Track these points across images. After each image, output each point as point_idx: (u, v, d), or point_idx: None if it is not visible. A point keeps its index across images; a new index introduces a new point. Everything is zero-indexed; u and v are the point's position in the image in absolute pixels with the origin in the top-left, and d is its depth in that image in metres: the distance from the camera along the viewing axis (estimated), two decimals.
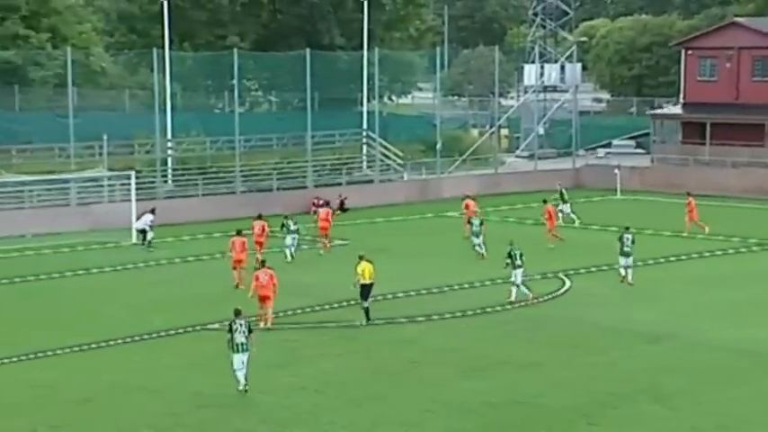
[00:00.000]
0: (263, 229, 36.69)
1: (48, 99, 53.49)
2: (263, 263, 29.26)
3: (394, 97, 72.68)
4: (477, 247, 38.08)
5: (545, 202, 42.34)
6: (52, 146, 49.22)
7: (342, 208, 52.08)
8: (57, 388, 22.87)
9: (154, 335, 27.42)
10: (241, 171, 51.57)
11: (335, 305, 30.32)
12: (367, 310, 28.43)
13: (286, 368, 24.36)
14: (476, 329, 28.21)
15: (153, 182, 49.09)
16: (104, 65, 57.44)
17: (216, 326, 27.58)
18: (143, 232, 40.94)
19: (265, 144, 54.89)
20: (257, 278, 28.26)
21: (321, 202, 51.84)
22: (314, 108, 55.61)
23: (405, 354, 25.61)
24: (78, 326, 28.44)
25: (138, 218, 41.53)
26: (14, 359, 25.01)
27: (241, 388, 22.43)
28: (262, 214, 37.78)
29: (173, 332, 27.65)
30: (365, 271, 28.38)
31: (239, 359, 22.47)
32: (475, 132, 69.63)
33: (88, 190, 46.90)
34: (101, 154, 48.32)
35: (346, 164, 55.96)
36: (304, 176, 53.57)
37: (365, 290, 28.38)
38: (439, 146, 57.73)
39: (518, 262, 30.86)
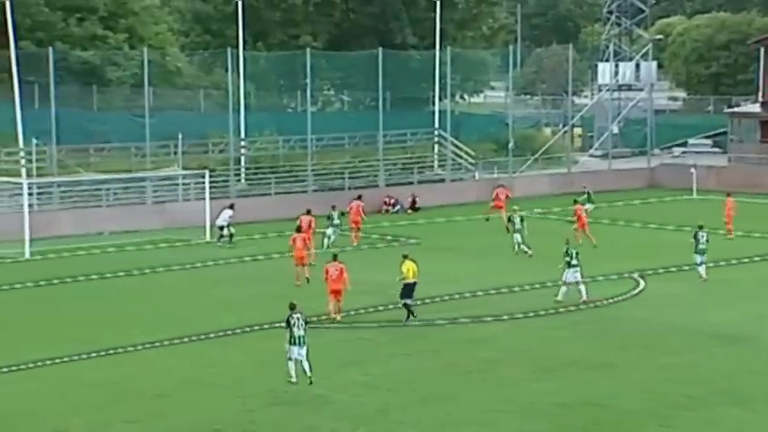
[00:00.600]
0: (310, 225, 37.06)
1: (125, 99, 54.35)
2: (334, 256, 29.61)
3: (466, 96, 72.35)
4: (517, 246, 38.19)
5: (575, 202, 42.32)
6: (129, 145, 50.02)
7: (413, 207, 52.10)
8: (130, 384, 23.21)
9: (227, 332, 27.65)
10: (313, 170, 51.91)
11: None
12: (408, 306, 28.35)
13: (357, 366, 24.44)
14: (547, 329, 28.00)
15: (227, 181, 49.64)
16: (180, 65, 58.15)
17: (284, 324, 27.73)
18: (222, 228, 41.43)
19: (337, 143, 55.13)
20: (327, 271, 28.68)
21: (393, 200, 52.00)
22: (386, 107, 55.73)
23: (476, 353, 25.52)
24: (150, 323, 28.84)
25: (217, 215, 42.06)
26: (93, 355, 25.41)
27: (294, 380, 22.68)
28: (310, 210, 38.34)
29: (247, 329, 27.87)
30: (409, 270, 28.41)
31: (296, 350, 22.77)
32: (548, 131, 69.08)
33: (163, 189, 47.59)
34: (176, 153, 48.99)
35: (418, 163, 55.97)
36: (375, 175, 53.71)
37: (407, 289, 28.35)
38: (511, 145, 57.44)
39: (574, 261, 30.66)
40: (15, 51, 45.45)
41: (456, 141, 57.42)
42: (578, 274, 30.74)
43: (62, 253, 39.82)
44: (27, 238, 38.94)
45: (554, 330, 27.90)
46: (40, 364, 24.58)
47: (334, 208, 40.70)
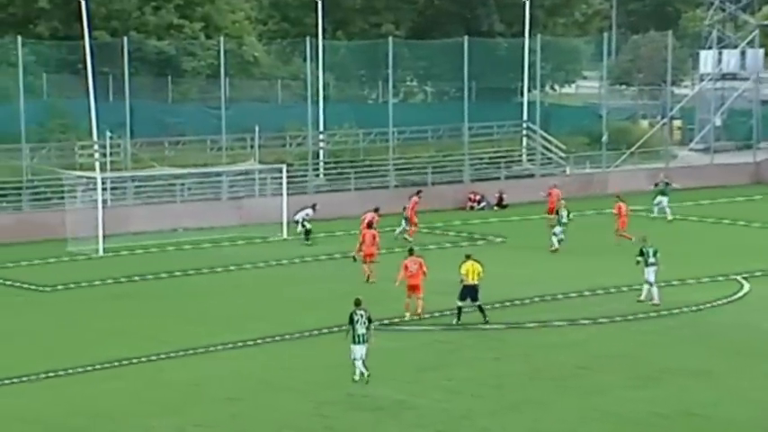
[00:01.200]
0: (372, 222, 38.03)
1: (200, 90, 55.05)
2: (410, 251, 30.07)
3: (556, 86, 71.79)
4: (555, 238, 39.13)
5: (618, 198, 41.98)
6: (204, 138, 50.69)
7: (500, 204, 51.88)
8: (205, 386, 23.58)
9: (305, 333, 27.94)
10: (395, 164, 52.00)
11: (494, 305, 30.23)
12: (481, 308, 28.38)
13: (440, 370, 24.47)
14: (643, 334, 27.70)
15: (304, 175, 50.01)
16: (257, 54, 58.68)
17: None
18: (297, 224, 41.87)
19: (420, 136, 55.11)
20: (406, 267, 29.12)
21: (478, 196, 51.89)
22: (471, 98, 55.51)
23: (566, 359, 25.38)
24: (225, 322, 29.26)
25: (297, 211, 42.58)
26: (163, 356, 25.90)
27: (357, 378, 23.13)
28: (378, 208, 39.72)
29: (325, 331, 28.08)
30: (469, 271, 28.31)
31: (359, 350, 23.16)
32: (644, 123, 68.19)
33: (239, 183, 48.10)
34: (252, 146, 49.48)
35: (505, 157, 55.68)
36: (460, 170, 53.59)
37: (466, 291, 28.19)
38: (605, 138, 56.83)
39: (651, 260, 30.43)
40: (89, 41, 46.43)
41: (546, 134, 56.97)
42: (655, 274, 30.48)
43: (136, 250, 40.56)
44: (101, 234, 39.77)
45: (649, 335, 27.59)
46: (116, 363, 25.13)
47: (410, 199, 42.94)
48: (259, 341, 27.20)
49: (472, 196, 51.91)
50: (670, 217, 46.45)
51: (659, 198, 47.20)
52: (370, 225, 35.67)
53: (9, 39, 48.41)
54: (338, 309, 30.05)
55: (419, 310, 29.05)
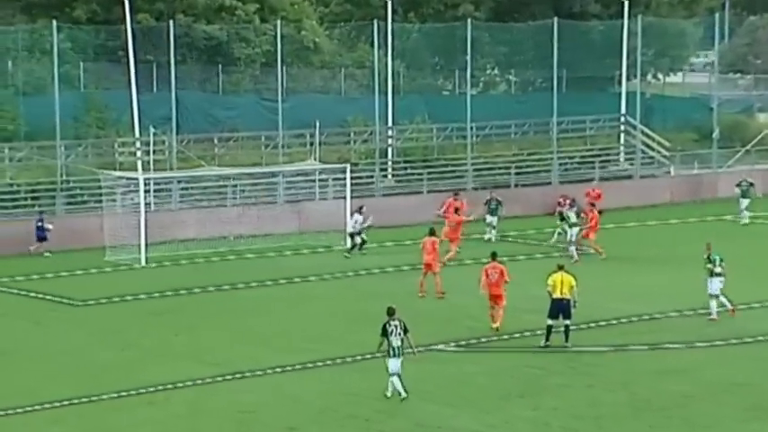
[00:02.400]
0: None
1: (254, 80, 55.41)
2: (493, 255, 30.21)
3: (660, 75, 71.19)
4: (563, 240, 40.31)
5: (593, 206, 42.21)
6: (258, 134, 51.01)
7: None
8: (259, 414, 23.65)
9: (372, 355, 27.81)
10: (473, 164, 51.93)
11: (585, 326, 29.94)
12: (555, 329, 28.11)
13: (527, 399, 24.34)
14: (759, 360, 27.33)
15: (371, 176, 50.10)
16: (318, 40, 58.91)
17: (440, 346, 27.88)
18: (352, 236, 41.59)
19: (502, 132, 55.09)
20: (486, 274, 29.41)
21: (569, 200, 51.45)
22: (561, 89, 55.33)
23: (672, 387, 25.07)
24: (284, 341, 29.33)
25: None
26: (219, 379, 25.96)
27: (389, 395, 23.63)
28: (458, 191, 41.92)
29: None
30: (556, 283, 28.02)
31: (395, 363, 23.68)
32: (761, 117, 67.43)
33: (298, 185, 48.35)
34: (312, 144, 49.70)
35: (600, 156, 55.45)
36: (548, 171, 53.40)
37: (557, 306, 27.91)
38: (716, 134, 56.37)
39: (717, 269, 30.28)
40: (131, 26, 46.96)
41: (647, 130, 56.61)
42: (721, 285, 30.34)
43: (182, 260, 40.86)
44: (143, 242, 40.14)
45: (767, 361, 27.14)
46: (161, 387, 25.28)
47: (497, 200, 44.56)
48: (320, 363, 27.18)
49: (562, 200, 51.22)
50: (746, 221, 46.60)
51: (742, 200, 47.00)
52: (432, 233, 35.01)
53: (43, 23, 49.19)
54: (409, 327, 30.03)
55: (497, 323, 29.37)
